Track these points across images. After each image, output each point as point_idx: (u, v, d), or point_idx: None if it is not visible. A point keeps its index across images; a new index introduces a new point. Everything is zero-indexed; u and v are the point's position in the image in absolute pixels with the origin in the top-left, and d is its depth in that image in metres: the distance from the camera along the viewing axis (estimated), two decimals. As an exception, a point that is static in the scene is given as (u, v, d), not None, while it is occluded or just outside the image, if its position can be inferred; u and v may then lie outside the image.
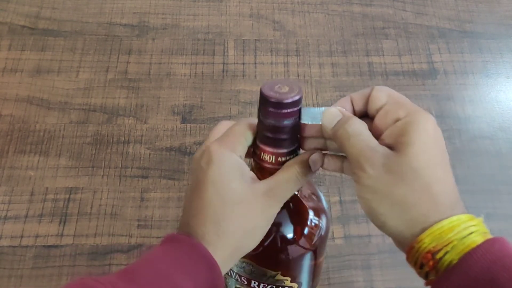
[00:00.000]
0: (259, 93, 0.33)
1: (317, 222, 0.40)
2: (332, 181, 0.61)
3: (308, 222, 0.40)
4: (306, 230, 0.39)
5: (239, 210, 0.32)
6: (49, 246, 0.56)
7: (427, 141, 0.31)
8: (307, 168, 0.34)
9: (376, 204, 0.31)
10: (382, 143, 0.32)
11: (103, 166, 0.61)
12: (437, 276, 0.29)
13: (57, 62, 0.69)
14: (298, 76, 0.69)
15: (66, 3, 0.74)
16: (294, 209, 0.39)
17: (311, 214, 0.40)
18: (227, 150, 0.33)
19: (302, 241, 0.39)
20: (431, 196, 0.30)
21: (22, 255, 0.55)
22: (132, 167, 0.61)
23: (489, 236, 0.29)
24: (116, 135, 0.63)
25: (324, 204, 0.42)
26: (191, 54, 0.70)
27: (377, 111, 0.34)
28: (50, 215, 0.58)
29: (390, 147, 0.31)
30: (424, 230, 0.29)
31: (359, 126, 0.32)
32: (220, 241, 0.32)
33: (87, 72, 0.68)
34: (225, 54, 0.70)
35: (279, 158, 0.34)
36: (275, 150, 0.34)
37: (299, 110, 0.33)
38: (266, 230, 0.34)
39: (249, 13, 0.74)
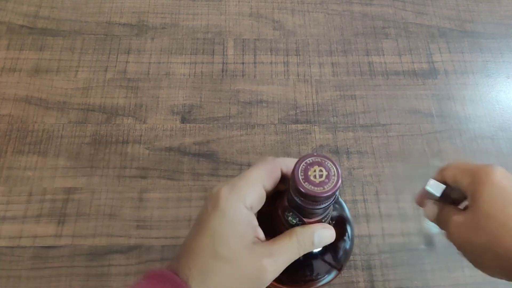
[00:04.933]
0: (292, 172, 0.30)
1: (345, 241, 0.38)
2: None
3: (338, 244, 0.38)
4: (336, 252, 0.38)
5: (229, 269, 0.31)
6: (48, 247, 0.55)
7: (492, 191, 0.36)
8: (310, 243, 0.33)
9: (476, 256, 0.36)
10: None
11: (101, 166, 0.61)
12: None
13: (55, 61, 0.69)
14: (298, 76, 0.68)
15: (64, 2, 0.74)
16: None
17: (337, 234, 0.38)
18: (237, 199, 0.32)
19: (330, 260, 0.37)
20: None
21: (20, 255, 0.55)
22: (131, 167, 0.61)
23: None
24: (115, 135, 0.63)
25: (347, 212, 0.40)
26: (191, 54, 0.70)
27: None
28: (49, 215, 0.57)
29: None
30: None
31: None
32: None
33: (86, 72, 0.68)
34: (225, 53, 0.70)
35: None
36: (304, 219, 0.32)
37: (335, 197, 0.30)
38: None
39: (248, 12, 0.74)
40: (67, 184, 0.59)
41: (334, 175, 0.29)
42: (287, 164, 0.34)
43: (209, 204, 0.32)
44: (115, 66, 0.68)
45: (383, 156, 0.62)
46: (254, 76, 0.68)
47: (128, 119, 0.64)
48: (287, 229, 0.33)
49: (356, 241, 0.57)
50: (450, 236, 0.39)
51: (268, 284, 0.32)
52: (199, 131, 0.64)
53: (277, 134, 0.63)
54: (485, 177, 0.36)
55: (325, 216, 0.33)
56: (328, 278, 0.38)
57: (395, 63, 0.70)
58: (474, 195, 0.37)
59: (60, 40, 0.71)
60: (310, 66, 0.69)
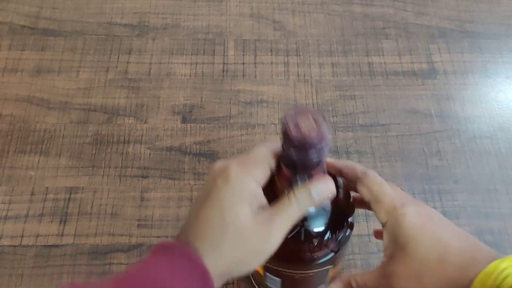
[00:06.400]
0: (281, 123, 0.32)
1: (344, 226, 0.39)
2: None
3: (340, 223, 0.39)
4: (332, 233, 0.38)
5: (237, 236, 0.32)
6: (50, 246, 0.56)
7: (418, 237, 0.34)
8: (310, 199, 0.34)
9: None
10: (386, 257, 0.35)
11: (103, 166, 0.61)
12: None
13: (57, 62, 0.69)
14: (298, 76, 0.69)
15: (66, 3, 0.75)
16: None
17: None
18: (246, 174, 0.33)
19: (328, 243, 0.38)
20: (447, 272, 0.32)
21: (22, 254, 0.55)
22: (132, 167, 0.61)
23: None
24: (116, 135, 0.64)
25: (349, 198, 0.41)
26: (191, 54, 0.70)
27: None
28: (51, 214, 0.58)
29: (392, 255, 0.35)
30: None
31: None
32: (213, 257, 0.32)
33: (87, 72, 0.68)
34: (225, 54, 0.70)
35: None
36: (293, 173, 0.33)
37: (324, 147, 0.32)
38: (263, 260, 0.34)
39: (249, 13, 0.74)
40: (69, 184, 0.60)
41: (322, 121, 0.31)
42: None
43: (219, 179, 0.33)
44: (116, 67, 0.69)
45: (383, 156, 0.63)
46: (255, 77, 0.69)
47: (129, 119, 0.65)
48: None
49: (355, 240, 0.57)
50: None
51: (275, 248, 0.33)
52: (199, 131, 0.64)
53: (277, 134, 0.64)
54: (403, 218, 0.34)
55: (318, 167, 0.34)
56: (323, 259, 0.39)
57: (395, 63, 0.70)
58: (396, 244, 0.34)
59: (61, 40, 0.71)
60: (310, 67, 0.70)
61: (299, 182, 0.34)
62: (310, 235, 0.38)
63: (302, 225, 0.37)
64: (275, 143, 0.35)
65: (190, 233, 0.33)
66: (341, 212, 0.39)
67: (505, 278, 0.29)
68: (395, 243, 0.34)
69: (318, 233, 0.38)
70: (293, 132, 0.31)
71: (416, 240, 0.33)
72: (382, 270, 0.35)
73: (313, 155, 0.32)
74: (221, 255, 0.32)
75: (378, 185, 0.37)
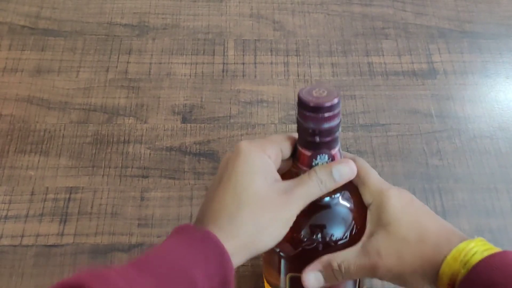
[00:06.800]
0: (297, 98, 0.34)
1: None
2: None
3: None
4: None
5: (254, 204, 0.33)
6: (50, 245, 0.56)
7: (401, 219, 0.36)
8: (331, 178, 0.35)
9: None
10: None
11: (103, 165, 0.61)
12: None
13: (57, 62, 0.69)
14: (298, 76, 0.69)
15: (66, 3, 0.75)
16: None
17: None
18: (257, 148, 0.34)
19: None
20: (424, 250, 0.35)
21: (23, 254, 0.55)
22: (132, 167, 0.61)
23: (493, 251, 0.33)
24: (116, 135, 0.64)
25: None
26: (191, 54, 0.70)
27: None
28: (51, 214, 0.58)
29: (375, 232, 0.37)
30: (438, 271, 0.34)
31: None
32: (232, 231, 0.32)
33: (87, 72, 0.68)
34: (225, 54, 0.70)
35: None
36: (312, 153, 0.35)
37: (339, 113, 0.34)
38: (284, 230, 0.34)
39: (249, 13, 0.74)
40: (69, 184, 0.60)
41: (334, 92, 0.34)
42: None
43: (230, 159, 0.35)
44: (116, 67, 0.69)
45: (383, 156, 0.63)
46: (255, 76, 0.69)
47: (129, 119, 0.65)
48: None
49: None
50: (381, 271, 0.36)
51: (293, 218, 0.34)
52: (200, 131, 0.64)
53: (277, 134, 0.64)
54: (388, 200, 0.37)
55: (336, 144, 0.35)
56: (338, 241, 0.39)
57: (394, 63, 0.70)
58: (380, 220, 0.37)
59: (61, 40, 0.71)
60: (310, 67, 0.70)
61: (320, 163, 0.35)
62: (334, 245, 0.38)
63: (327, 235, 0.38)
64: (288, 135, 0.37)
65: (205, 217, 0.33)
66: (360, 222, 0.39)
67: (473, 254, 0.32)
68: (378, 223, 0.37)
69: (343, 243, 0.38)
70: (305, 97, 0.33)
71: (398, 221, 0.36)
72: (364, 248, 0.36)
73: (326, 123, 0.33)
74: (239, 228, 0.32)
75: (364, 169, 0.39)
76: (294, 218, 0.34)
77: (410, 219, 0.36)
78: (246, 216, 0.32)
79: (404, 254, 0.35)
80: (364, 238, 0.37)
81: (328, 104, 0.33)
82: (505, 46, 0.73)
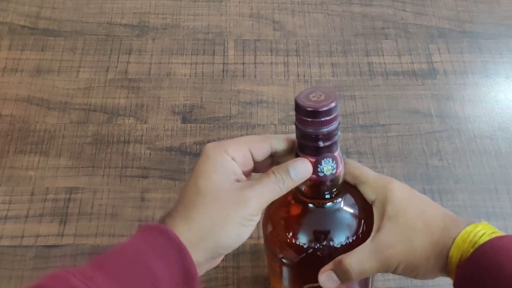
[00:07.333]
0: (294, 102, 0.34)
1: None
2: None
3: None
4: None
5: (210, 200, 0.33)
6: (50, 246, 0.56)
7: (406, 209, 0.37)
8: (288, 177, 0.35)
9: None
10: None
11: (103, 166, 0.61)
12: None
13: (57, 62, 0.69)
14: (298, 76, 0.69)
15: (66, 3, 0.75)
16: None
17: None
18: (220, 148, 0.35)
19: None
20: (432, 234, 0.36)
21: (22, 255, 0.55)
22: (132, 167, 0.61)
23: (501, 234, 0.34)
24: (116, 135, 0.64)
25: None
26: (191, 54, 0.70)
27: None
28: (51, 215, 0.58)
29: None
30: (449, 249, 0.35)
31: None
32: (186, 226, 0.33)
33: (87, 72, 0.68)
34: (225, 54, 0.70)
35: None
36: (316, 158, 0.35)
37: (337, 116, 0.34)
38: (244, 228, 0.34)
39: (249, 13, 0.74)
40: (69, 184, 0.60)
41: (332, 95, 0.33)
42: (278, 138, 0.38)
43: (197, 162, 0.36)
44: (116, 67, 0.69)
45: (382, 156, 0.63)
46: (255, 77, 0.69)
47: (129, 119, 0.65)
48: None
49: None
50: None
51: (252, 215, 0.34)
52: (200, 131, 0.64)
53: (277, 134, 0.64)
54: (391, 193, 0.38)
55: (337, 146, 0.35)
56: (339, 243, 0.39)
57: (394, 63, 0.70)
58: (384, 215, 0.37)
59: (61, 40, 0.71)
60: (310, 67, 0.70)
61: (326, 168, 0.35)
62: (341, 249, 0.38)
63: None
64: (260, 136, 0.38)
65: (167, 214, 0.34)
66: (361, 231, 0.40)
67: (481, 235, 0.34)
68: (384, 216, 0.37)
69: (351, 245, 0.38)
70: (302, 101, 0.33)
71: (404, 211, 0.37)
72: (374, 243, 0.37)
73: (326, 127, 0.33)
74: (193, 221, 0.33)
75: (359, 169, 0.40)
76: (254, 218, 0.34)
77: (415, 208, 0.37)
78: (201, 211, 0.33)
79: (415, 242, 0.36)
80: (373, 233, 0.37)
81: (325, 108, 0.33)
82: (505, 46, 0.73)
